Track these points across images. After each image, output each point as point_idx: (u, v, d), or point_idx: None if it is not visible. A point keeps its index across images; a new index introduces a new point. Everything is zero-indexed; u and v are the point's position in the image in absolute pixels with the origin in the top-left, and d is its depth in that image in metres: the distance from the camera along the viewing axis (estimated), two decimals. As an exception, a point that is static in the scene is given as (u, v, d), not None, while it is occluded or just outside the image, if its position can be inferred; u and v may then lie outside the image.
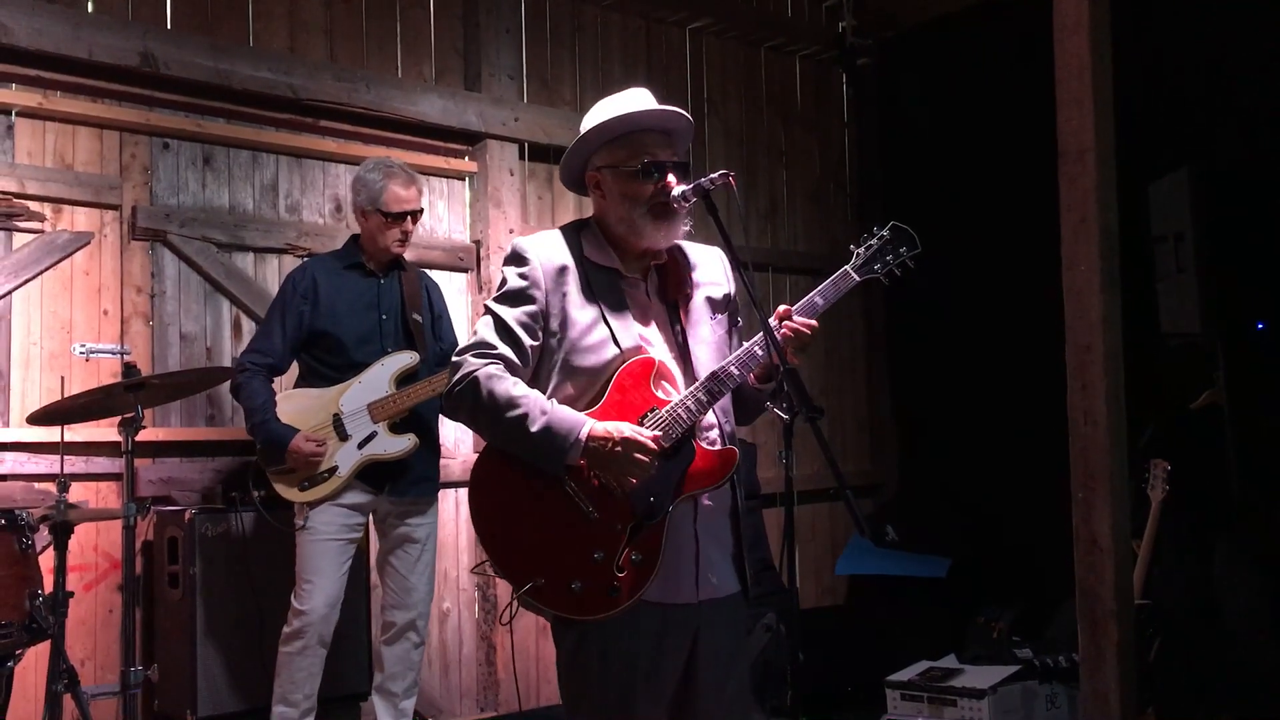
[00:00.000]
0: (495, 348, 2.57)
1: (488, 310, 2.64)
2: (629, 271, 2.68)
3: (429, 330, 4.47)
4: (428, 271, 5.29)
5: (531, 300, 2.59)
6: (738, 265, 2.59)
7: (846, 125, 7.11)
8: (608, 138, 2.65)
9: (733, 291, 2.80)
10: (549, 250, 2.64)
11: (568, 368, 2.60)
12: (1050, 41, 3.84)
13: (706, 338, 2.69)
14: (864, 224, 7.07)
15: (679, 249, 2.74)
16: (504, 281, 2.64)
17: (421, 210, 4.48)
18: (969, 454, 6.23)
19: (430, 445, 4.43)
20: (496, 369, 2.54)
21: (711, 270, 2.77)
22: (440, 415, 4.49)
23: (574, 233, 2.71)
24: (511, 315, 2.59)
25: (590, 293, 2.61)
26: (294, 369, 4.47)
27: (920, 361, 6.63)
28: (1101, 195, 3.72)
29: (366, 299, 4.38)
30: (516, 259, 2.63)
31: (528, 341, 2.59)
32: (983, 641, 5.09)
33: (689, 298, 2.71)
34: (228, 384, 4.51)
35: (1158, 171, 4.79)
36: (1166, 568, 4.49)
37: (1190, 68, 5.14)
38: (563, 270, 2.62)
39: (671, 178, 2.62)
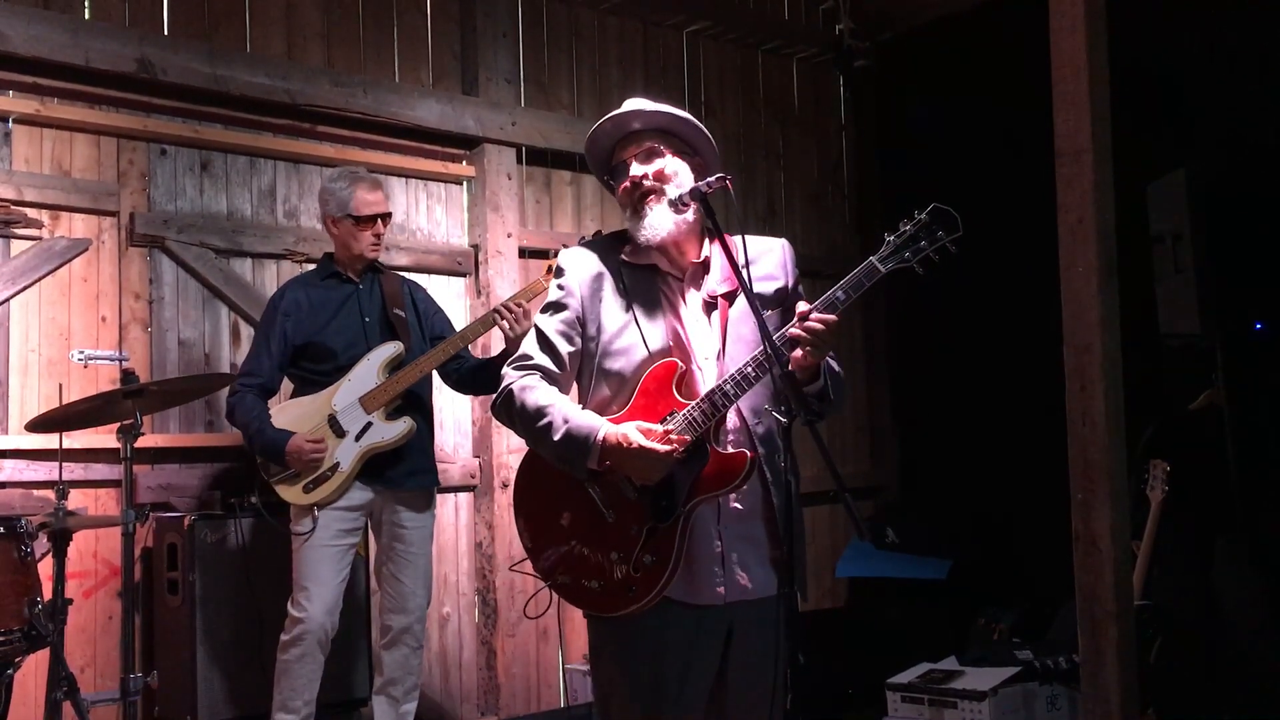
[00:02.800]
0: (532, 359, 2.72)
1: (534, 324, 2.78)
2: (669, 269, 2.73)
3: (415, 326, 4.48)
4: (426, 276, 5.32)
5: (566, 308, 2.73)
6: (736, 269, 2.59)
7: (844, 127, 7.11)
8: (601, 157, 2.80)
9: (790, 284, 2.79)
10: (585, 258, 2.76)
11: (602, 371, 2.70)
12: (1047, 43, 3.84)
13: (746, 335, 2.68)
14: (862, 226, 7.12)
15: (729, 244, 2.72)
16: (547, 294, 2.79)
17: (390, 214, 4.52)
18: (969, 456, 6.23)
19: (425, 433, 4.44)
20: (531, 379, 2.68)
21: (767, 264, 2.78)
22: (433, 407, 4.55)
23: (619, 238, 2.81)
24: (550, 325, 2.73)
25: (625, 295, 2.70)
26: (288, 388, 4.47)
27: (920, 363, 6.63)
28: (1099, 196, 3.73)
29: (348, 304, 4.40)
30: (557, 271, 2.79)
31: (565, 348, 2.71)
32: (983, 643, 5.10)
33: (734, 295, 2.72)
34: (226, 390, 4.51)
35: (1155, 172, 4.79)
36: (1166, 568, 4.49)
37: (1187, 68, 5.15)
38: (598, 276, 2.73)
39: (636, 168, 2.69)
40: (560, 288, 2.74)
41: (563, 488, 2.65)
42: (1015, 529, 5.81)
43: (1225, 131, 5.00)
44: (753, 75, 6.75)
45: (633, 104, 2.76)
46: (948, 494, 6.39)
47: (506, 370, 2.74)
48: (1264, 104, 4.88)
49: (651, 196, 2.67)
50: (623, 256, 2.74)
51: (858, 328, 6.95)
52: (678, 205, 2.65)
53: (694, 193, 2.63)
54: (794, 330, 2.55)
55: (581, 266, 2.74)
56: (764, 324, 2.51)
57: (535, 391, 2.66)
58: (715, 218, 2.63)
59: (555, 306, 2.74)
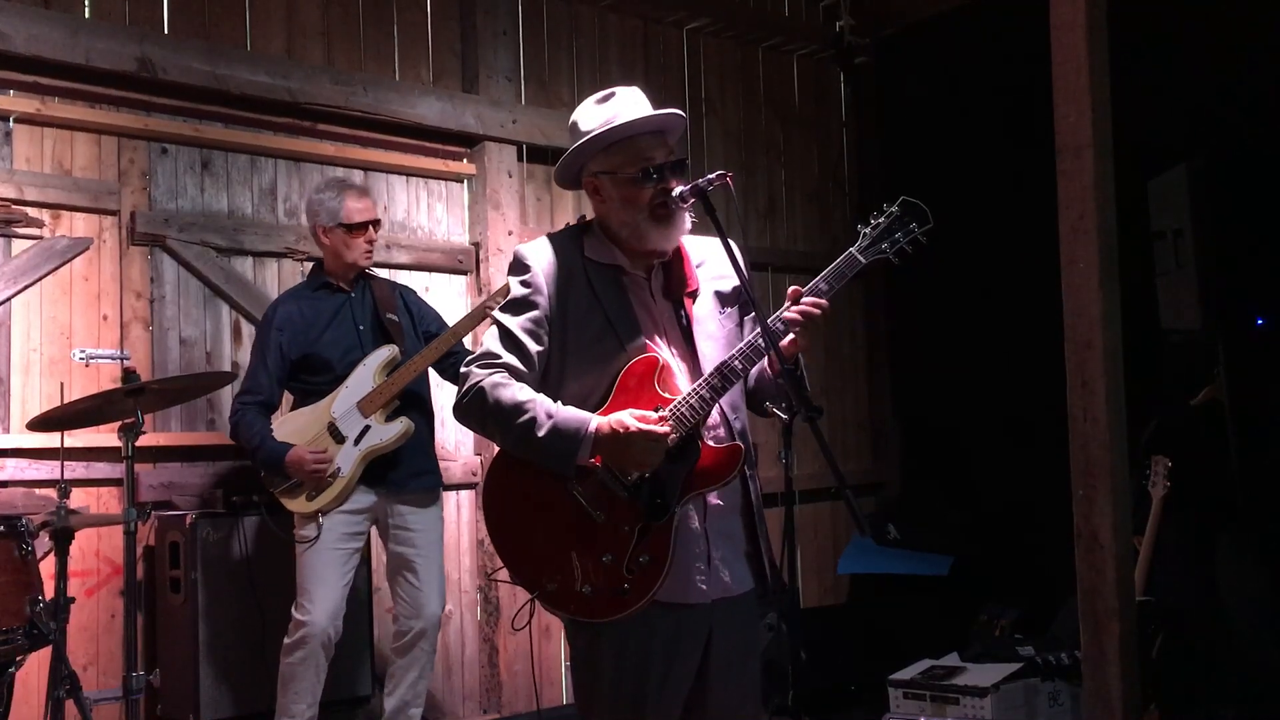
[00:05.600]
0: (499, 357, 2.60)
1: (495, 321, 2.68)
2: (633, 269, 2.68)
3: (409, 329, 4.48)
4: (427, 274, 5.33)
5: (534, 306, 2.62)
6: (737, 265, 2.59)
7: (845, 124, 7.10)
8: (602, 146, 2.65)
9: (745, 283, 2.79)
10: (550, 254, 2.66)
11: (574, 369, 2.62)
12: (1048, 38, 3.83)
13: (714, 333, 2.69)
14: (864, 223, 7.09)
15: (684, 244, 2.73)
16: (507, 290, 2.68)
17: (379, 220, 4.53)
18: (970, 452, 6.23)
19: (426, 433, 4.44)
20: (501, 377, 2.58)
21: (720, 264, 2.74)
22: (435, 413, 4.54)
23: (576, 234, 2.73)
24: (515, 323, 2.62)
25: (593, 293, 2.63)
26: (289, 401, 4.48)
27: (921, 360, 6.63)
28: (1099, 192, 3.72)
29: (341, 314, 4.41)
30: (518, 266, 2.67)
31: (533, 347, 2.61)
32: (985, 639, 5.09)
33: (696, 293, 2.71)
34: (228, 389, 4.53)
35: (1156, 167, 4.79)
36: (1168, 564, 4.49)
37: (1188, 63, 5.14)
38: (565, 273, 2.64)
39: (671, 180, 2.62)
40: (525, 284, 2.63)
41: (542, 492, 2.56)
42: (1017, 525, 5.81)
43: (1226, 126, 4.99)
44: (753, 72, 6.74)
45: (635, 97, 2.69)
46: (949, 490, 6.39)
47: (470, 369, 2.61)
48: (1265, 99, 4.87)
49: (676, 209, 2.62)
50: (586, 254, 2.67)
51: (859, 323, 6.96)
52: (679, 204, 2.63)
53: (695, 189, 2.59)
54: (789, 314, 2.56)
55: (547, 262, 2.64)
56: (762, 315, 2.51)
57: (510, 388, 2.55)
58: (716, 214, 2.61)
59: (522, 304, 2.63)
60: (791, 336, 2.56)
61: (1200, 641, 4.54)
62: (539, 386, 2.61)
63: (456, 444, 5.41)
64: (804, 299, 2.58)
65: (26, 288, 4.44)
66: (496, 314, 2.67)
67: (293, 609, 4.18)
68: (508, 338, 2.62)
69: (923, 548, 6.05)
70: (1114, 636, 3.66)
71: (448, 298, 5.38)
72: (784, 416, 2.55)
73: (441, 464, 4.65)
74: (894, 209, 2.71)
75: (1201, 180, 4.61)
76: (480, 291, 5.46)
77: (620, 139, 2.63)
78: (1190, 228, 4.58)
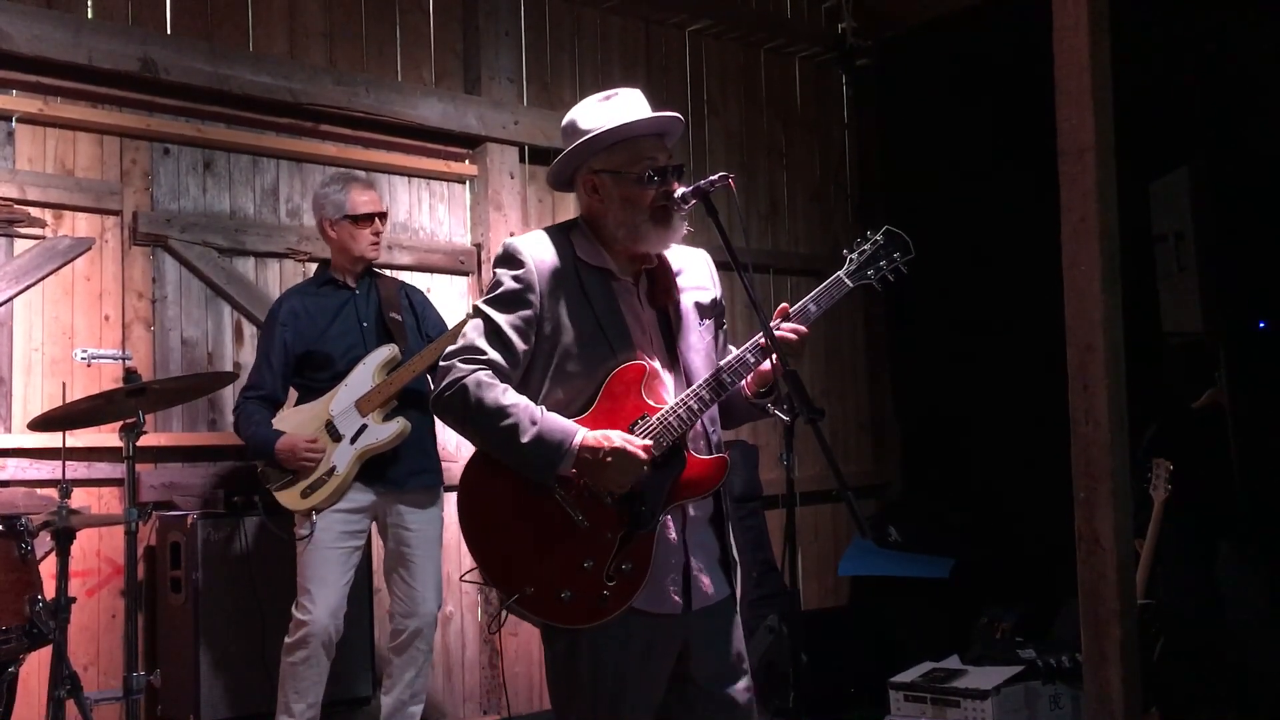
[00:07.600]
0: (484, 353, 2.54)
1: (479, 312, 2.62)
2: (622, 274, 2.66)
3: (412, 329, 4.48)
4: (428, 275, 5.33)
5: (526, 304, 2.58)
6: (739, 267, 2.58)
7: (846, 126, 7.11)
8: (606, 144, 2.63)
9: (719, 295, 2.79)
10: (543, 251, 2.62)
11: (560, 372, 2.58)
12: (1050, 40, 3.83)
13: (696, 344, 2.68)
14: (864, 225, 7.08)
15: (664, 253, 2.71)
16: (497, 283, 2.62)
17: (386, 212, 4.54)
18: (971, 454, 6.23)
19: (426, 432, 4.43)
20: (486, 375, 2.52)
21: (697, 274, 2.75)
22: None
23: (564, 233, 2.68)
24: (504, 319, 2.57)
25: (584, 296, 2.60)
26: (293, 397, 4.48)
27: (922, 362, 6.64)
28: (1102, 194, 3.72)
29: (345, 310, 4.41)
30: (510, 260, 2.62)
31: (520, 346, 2.57)
32: (986, 642, 5.09)
33: (678, 303, 2.70)
34: (229, 389, 4.53)
35: (1158, 170, 4.79)
36: (1169, 567, 4.49)
37: (1190, 66, 5.14)
38: (557, 272, 2.60)
39: (673, 181, 2.62)
40: (518, 280, 2.57)
41: (522, 495, 2.51)
42: (1018, 528, 5.81)
43: (1228, 129, 4.99)
44: (755, 74, 6.75)
45: (637, 98, 2.68)
46: (950, 492, 6.39)
47: (453, 363, 2.54)
48: (1267, 102, 4.87)
49: (675, 212, 2.61)
50: (578, 255, 2.63)
51: (860, 327, 6.96)
52: (679, 207, 2.62)
53: (697, 191, 2.58)
54: (779, 332, 2.58)
55: (539, 259, 2.59)
56: (764, 319, 2.51)
57: (494, 389, 2.49)
58: (718, 216, 2.60)
59: (513, 300, 2.57)
60: (768, 364, 2.59)
61: (1201, 645, 4.54)
62: (519, 385, 2.57)
63: (457, 445, 5.39)
64: (784, 325, 2.60)
65: (29, 287, 4.45)
66: (483, 306, 2.61)
67: (293, 608, 4.18)
68: (495, 334, 2.56)
69: (923, 550, 6.05)
70: (1115, 639, 3.66)
71: (449, 299, 5.38)
72: (785, 418, 2.55)
73: (442, 465, 4.65)
74: (878, 237, 2.79)
75: (1203, 183, 4.61)
76: (481, 292, 5.45)
77: (623, 139, 2.61)
78: (1192, 231, 4.59)
